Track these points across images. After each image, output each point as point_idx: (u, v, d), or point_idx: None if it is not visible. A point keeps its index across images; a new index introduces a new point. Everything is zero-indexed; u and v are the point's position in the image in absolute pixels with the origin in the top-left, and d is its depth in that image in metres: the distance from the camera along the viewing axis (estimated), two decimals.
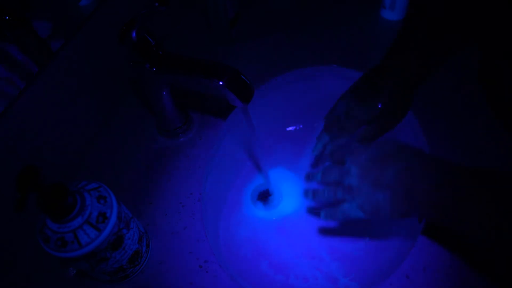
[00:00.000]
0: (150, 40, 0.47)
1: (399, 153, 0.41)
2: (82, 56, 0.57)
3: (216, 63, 0.47)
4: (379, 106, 0.48)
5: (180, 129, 0.60)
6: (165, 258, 0.50)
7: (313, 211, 0.64)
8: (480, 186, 0.36)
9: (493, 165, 0.51)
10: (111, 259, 0.43)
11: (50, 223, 0.39)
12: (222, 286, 0.47)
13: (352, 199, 0.42)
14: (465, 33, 0.60)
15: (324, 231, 0.61)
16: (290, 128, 0.72)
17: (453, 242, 0.46)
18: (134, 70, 0.50)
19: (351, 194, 0.43)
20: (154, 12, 0.44)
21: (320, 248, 0.60)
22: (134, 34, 0.46)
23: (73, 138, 0.58)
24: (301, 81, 0.68)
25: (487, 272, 0.43)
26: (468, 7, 0.51)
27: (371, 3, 0.75)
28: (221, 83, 0.45)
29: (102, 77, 0.61)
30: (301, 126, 0.72)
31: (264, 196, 0.68)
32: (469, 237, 0.38)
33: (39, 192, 0.36)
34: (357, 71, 0.64)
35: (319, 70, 0.67)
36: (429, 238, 0.47)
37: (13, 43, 0.49)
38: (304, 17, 0.76)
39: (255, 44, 0.71)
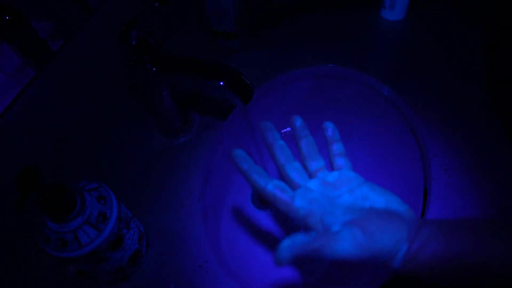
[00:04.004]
0: (150, 40, 0.47)
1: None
2: (82, 56, 0.57)
3: (216, 63, 0.47)
4: None
5: (180, 129, 0.60)
6: (165, 258, 0.50)
7: None
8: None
9: (493, 168, 0.51)
10: (111, 259, 0.43)
11: (50, 223, 0.39)
12: (222, 286, 0.47)
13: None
14: None
15: None
16: (289, 129, 0.72)
17: None
18: (134, 70, 0.50)
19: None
20: (154, 12, 0.44)
21: None
22: (134, 34, 0.46)
23: (73, 138, 0.58)
24: (300, 81, 0.68)
25: None
26: None
27: (371, 3, 0.75)
28: (221, 83, 0.45)
29: (102, 77, 0.61)
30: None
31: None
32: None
33: (39, 192, 0.36)
34: (356, 71, 0.64)
35: (318, 70, 0.67)
36: None
37: (13, 43, 0.49)
38: (303, 17, 0.76)
39: (255, 44, 0.71)
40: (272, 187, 0.39)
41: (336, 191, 0.39)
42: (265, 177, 0.40)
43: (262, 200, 0.68)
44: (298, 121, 0.44)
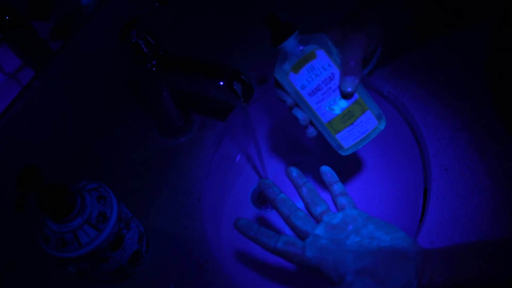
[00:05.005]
0: (150, 40, 0.47)
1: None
2: (82, 56, 0.57)
3: (216, 63, 0.47)
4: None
5: (180, 129, 0.60)
6: (165, 258, 0.50)
7: None
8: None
9: (493, 168, 0.51)
10: (111, 259, 0.43)
11: (50, 223, 0.39)
12: (222, 286, 0.47)
13: None
14: None
15: None
16: (289, 128, 0.72)
17: None
18: (134, 70, 0.50)
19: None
20: (154, 12, 0.44)
21: None
22: (134, 34, 0.46)
23: (73, 138, 0.58)
24: None
25: None
26: None
27: None
28: (221, 83, 0.45)
29: (102, 77, 0.61)
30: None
31: (264, 196, 0.68)
32: None
33: (39, 192, 0.36)
34: None
35: None
36: None
37: (13, 43, 0.49)
38: (303, 16, 0.76)
39: (254, 44, 0.71)
40: (282, 244, 0.41)
41: (343, 233, 0.41)
42: (273, 237, 0.42)
43: (261, 200, 0.68)
44: (294, 172, 0.46)
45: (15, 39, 0.48)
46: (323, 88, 0.43)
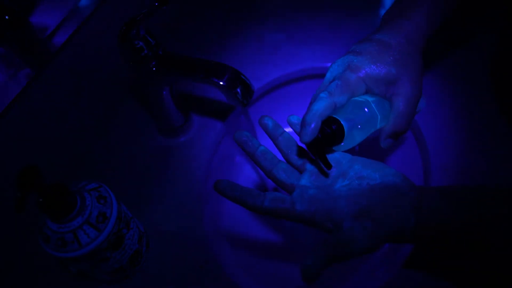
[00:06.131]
0: (150, 40, 0.47)
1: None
2: (81, 56, 0.57)
3: (216, 63, 0.47)
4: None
5: (180, 129, 0.60)
6: (165, 258, 0.50)
7: None
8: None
9: (493, 168, 0.51)
10: (111, 259, 0.43)
11: (50, 223, 0.39)
12: (222, 286, 0.47)
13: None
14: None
15: None
16: (289, 128, 0.72)
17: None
18: (134, 70, 0.50)
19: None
20: (154, 12, 0.44)
21: None
22: (134, 34, 0.46)
23: (73, 138, 0.58)
24: (300, 82, 0.68)
25: None
26: None
27: (371, 2, 0.75)
28: (221, 83, 0.45)
29: (102, 77, 0.61)
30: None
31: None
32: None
33: (39, 192, 0.36)
34: None
35: (318, 70, 0.67)
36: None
37: (13, 43, 0.49)
38: (303, 17, 0.76)
39: (254, 44, 0.71)
40: (269, 202, 0.38)
41: (329, 178, 0.39)
42: (259, 196, 0.39)
43: None
44: (270, 122, 0.43)
45: (15, 39, 0.48)
46: None
